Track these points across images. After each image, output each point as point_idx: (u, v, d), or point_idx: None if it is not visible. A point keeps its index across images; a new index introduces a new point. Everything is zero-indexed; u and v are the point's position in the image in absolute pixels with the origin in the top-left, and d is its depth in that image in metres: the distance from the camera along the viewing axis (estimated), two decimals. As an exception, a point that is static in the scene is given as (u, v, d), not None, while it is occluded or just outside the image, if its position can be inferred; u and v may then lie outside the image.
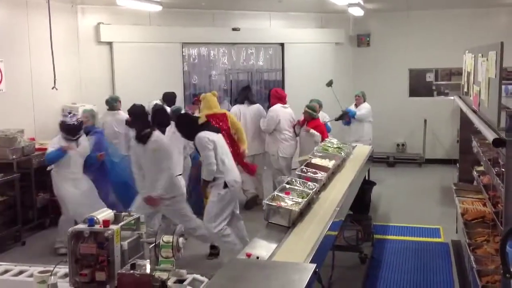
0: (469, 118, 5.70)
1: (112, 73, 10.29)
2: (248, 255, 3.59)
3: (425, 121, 12.13)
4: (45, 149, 7.93)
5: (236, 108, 9.13)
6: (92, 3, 9.86)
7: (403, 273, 6.33)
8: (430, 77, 12.80)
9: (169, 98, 9.26)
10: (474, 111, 5.38)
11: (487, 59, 4.55)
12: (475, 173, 6.48)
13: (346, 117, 10.18)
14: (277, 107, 8.85)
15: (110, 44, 10.22)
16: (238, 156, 7.53)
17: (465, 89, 6.73)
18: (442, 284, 6.00)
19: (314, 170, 5.67)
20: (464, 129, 7.44)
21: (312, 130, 8.45)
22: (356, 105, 10.37)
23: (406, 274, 6.29)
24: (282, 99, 8.98)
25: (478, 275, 4.44)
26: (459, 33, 11.62)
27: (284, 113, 8.79)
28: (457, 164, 7.92)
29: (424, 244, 7.34)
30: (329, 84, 9.88)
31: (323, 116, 9.23)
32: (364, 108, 10.29)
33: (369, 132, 10.31)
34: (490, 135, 3.98)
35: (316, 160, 6.14)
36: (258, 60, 12.18)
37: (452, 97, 11.01)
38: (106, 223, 3.05)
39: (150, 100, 8.70)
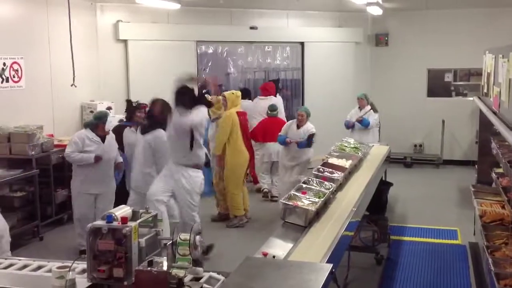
0: (488, 119, 5.64)
1: (127, 70, 10.35)
2: (265, 254, 3.60)
3: (443, 121, 12.02)
4: (64, 145, 8.05)
5: None
6: (111, 0, 9.93)
7: (420, 275, 6.28)
8: (448, 77, 12.70)
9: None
10: (494, 112, 5.32)
11: (508, 60, 4.49)
12: (494, 175, 6.40)
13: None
14: (256, 99, 10.32)
15: (125, 41, 10.28)
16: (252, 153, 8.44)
17: (485, 90, 6.66)
18: (459, 287, 5.95)
19: (330, 169, 5.67)
20: (483, 130, 7.36)
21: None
22: (360, 108, 9.76)
23: (423, 276, 6.25)
24: (263, 91, 10.12)
25: (496, 278, 4.38)
26: (478, 33, 11.49)
27: (255, 105, 10.03)
28: (476, 166, 7.84)
29: (441, 246, 7.28)
30: None
31: (307, 128, 8.14)
32: (373, 115, 9.68)
33: (375, 139, 9.55)
34: (510, 137, 3.94)
35: (333, 160, 6.13)
36: (275, 59, 12.17)
37: (471, 98, 10.92)
38: (124, 220, 3.07)
39: None
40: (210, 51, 11.55)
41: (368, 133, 9.56)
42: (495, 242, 5.19)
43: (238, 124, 7.95)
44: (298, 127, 8.20)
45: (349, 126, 9.68)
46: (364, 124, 9.54)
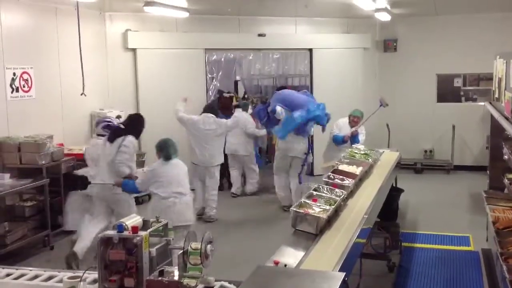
0: (500, 124, 5.60)
1: (136, 79, 10.38)
2: (276, 263, 3.57)
3: (454, 127, 11.94)
4: (74, 154, 8.08)
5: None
6: (120, 10, 9.98)
7: (432, 282, 6.22)
8: (458, 83, 12.62)
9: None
10: (506, 118, 5.27)
11: (520, 65, 4.46)
12: (506, 180, 6.34)
13: None
14: None
15: (134, 50, 10.32)
16: None
17: (496, 95, 6.61)
18: (472, 294, 5.89)
19: (341, 176, 5.62)
20: (494, 135, 7.31)
21: None
22: (351, 127, 8.56)
23: (435, 283, 6.18)
24: None
25: (511, 285, 4.33)
26: (487, 38, 11.42)
27: None
28: (487, 171, 7.77)
29: (453, 252, 7.21)
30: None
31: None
32: (362, 128, 8.61)
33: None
34: (523, 142, 3.90)
35: (343, 167, 6.09)
36: (284, 66, 12.18)
37: (481, 103, 10.86)
38: (134, 229, 3.06)
39: None
40: (222, 59, 11.61)
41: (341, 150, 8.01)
42: (509, 249, 5.12)
43: None
44: None
45: (344, 141, 8.40)
46: (355, 141, 8.31)
